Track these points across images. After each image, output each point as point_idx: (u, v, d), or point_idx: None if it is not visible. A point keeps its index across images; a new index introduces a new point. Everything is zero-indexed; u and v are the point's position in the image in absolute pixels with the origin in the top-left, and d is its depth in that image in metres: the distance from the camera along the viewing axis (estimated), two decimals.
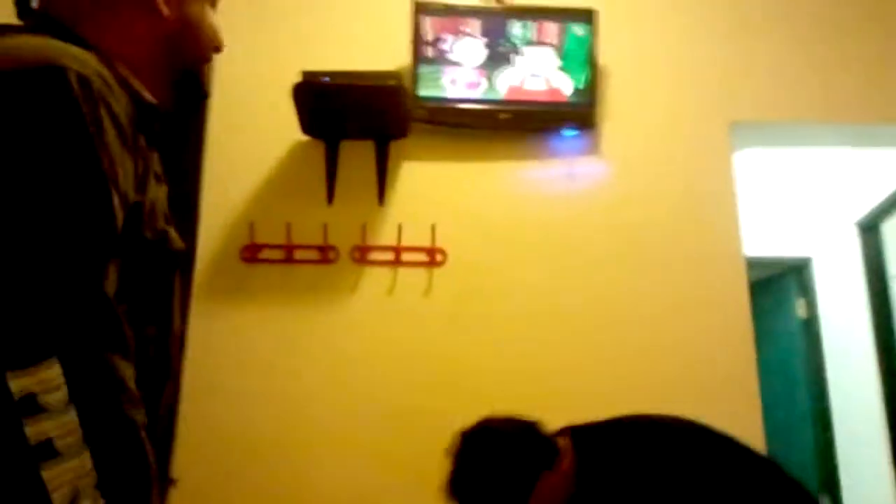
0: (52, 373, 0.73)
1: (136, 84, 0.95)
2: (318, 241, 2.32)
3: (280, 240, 2.31)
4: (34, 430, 0.71)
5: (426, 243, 2.35)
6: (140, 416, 0.86)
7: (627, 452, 1.55)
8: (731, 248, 2.42)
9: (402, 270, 2.35)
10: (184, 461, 2.13)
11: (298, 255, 2.32)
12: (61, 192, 0.78)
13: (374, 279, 2.34)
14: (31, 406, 0.71)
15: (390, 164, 2.42)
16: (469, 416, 2.21)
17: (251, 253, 2.31)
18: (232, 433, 2.18)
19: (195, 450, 2.14)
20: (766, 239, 3.92)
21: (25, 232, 0.75)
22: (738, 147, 2.58)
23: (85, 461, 0.74)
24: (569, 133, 2.48)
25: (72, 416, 0.74)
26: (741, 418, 2.28)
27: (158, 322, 0.94)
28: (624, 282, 2.37)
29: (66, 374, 0.74)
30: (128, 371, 0.85)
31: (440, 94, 2.39)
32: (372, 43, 2.50)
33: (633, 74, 2.57)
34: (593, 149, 2.50)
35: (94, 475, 0.75)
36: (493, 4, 2.53)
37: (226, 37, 2.50)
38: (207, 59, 1.11)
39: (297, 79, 2.20)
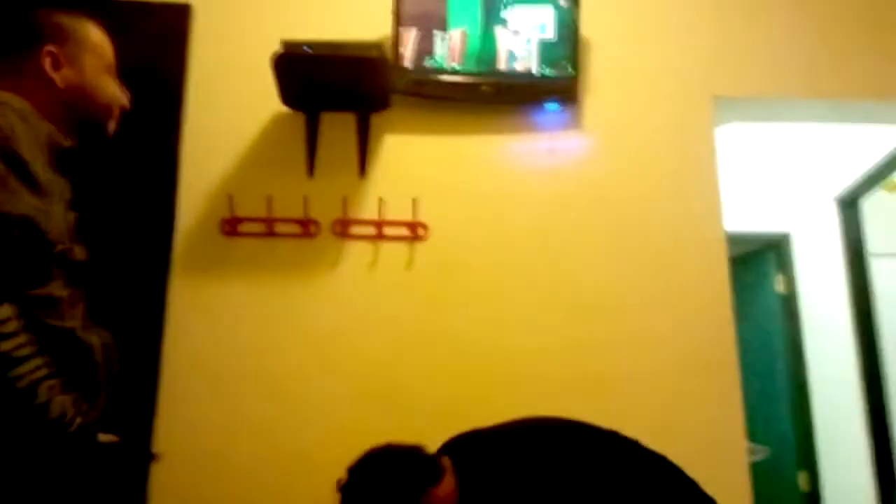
0: (4, 312, 1.13)
1: (58, 134, 1.39)
2: (299, 214, 2.30)
3: (260, 213, 2.29)
4: None
5: (408, 217, 2.33)
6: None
7: (503, 460, 1.65)
8: (711, 223, 2.43)
9: (383, 244, 2.33)
10: (164, 436, 2.11)
11: (279, 228, 2.30)
12: None
13: (356, 253, 2.32)
14: None
15: (371, 137, 2.39)
16: (450, 391, 2.22)
17: (231, 226, 2.28)
18: (212, 408, 2.17)
19: (176, 424, 2.13)
20: (745, 214, 3.94)
21: None
22: (721, 122, 2.58)
23: (37, 361, 1.15)
24: (551, 107, 2.47)
25: (23, 338, 1.13)
26: (720, 393, 2.30)
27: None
28: (604, 255, 2.37)
29: (19, 313, 1.14)
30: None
31: (422, 66, 2.36)
32: (354, 13, 2.46)
33: (616, 48, 2.55)
34: (575, 123, 2.48)
35: (46, 370, 1.16)
36: None
37: (205, 7, 2.48)
38: (108, 116, 1.50)
39: (278, 49, 2.17)
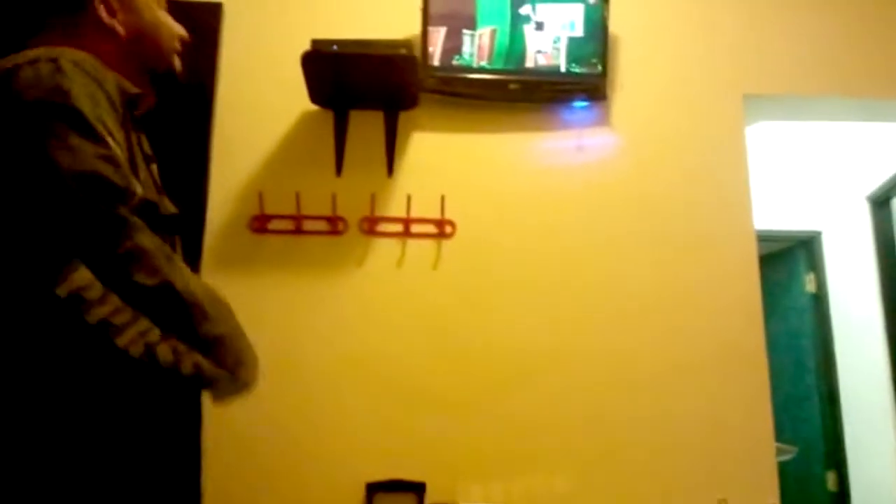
0: (82, 275, 0.99)
1: (126, 82, 1.24)
2: (327, 211, 2.32)
3: (289, 210, 2.31)
4: (91, 316, 0.99)
5: (435, 215, 2.34)
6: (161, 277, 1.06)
7: None
8: (741, 222, 2.41)
9: (410, 242, 2.34)
10: None
11: (307, 225, 2.32)
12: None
13: (383, 251, 2.33)
14: (80, 301, 0.98)
15: (399, 135, 2.40)
16: (476, 387, 2.23)
17: (260, 223, 2.31)
18: (238, 404, 2.18)
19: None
20: (776, 212, 3.90)
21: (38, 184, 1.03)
22: (751, 120, 2.56)
23: (142, 323, 1.01)
24: (579, 104, 2.46)
25: (114, 299, 1.00)
26: (749, 393, 2.29)
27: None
28: (633, 253, 2.36)
29: (95, 274, 1.00)
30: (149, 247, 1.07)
31: (450, 64, 2.36)
32: (382, 11, 2.47)
33: (645, 46, 2.54)
34: (604, 120, 2.48)
35: (157, 330, 1.02)
36: None
37: (235, 6, 2.49)
38: (172, 52, 1.39)
39: (307, 48, 2.18)
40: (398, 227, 2.34)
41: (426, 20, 2.36)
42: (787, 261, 4.31)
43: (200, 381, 1.09)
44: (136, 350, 1.00)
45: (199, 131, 2.32)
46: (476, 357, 2.26)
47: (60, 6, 1.28)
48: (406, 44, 2.24)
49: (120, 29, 1.29)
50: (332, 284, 2.30)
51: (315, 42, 2.18)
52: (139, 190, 1.09)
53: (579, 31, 2.40)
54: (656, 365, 2.28)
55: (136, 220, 1.05)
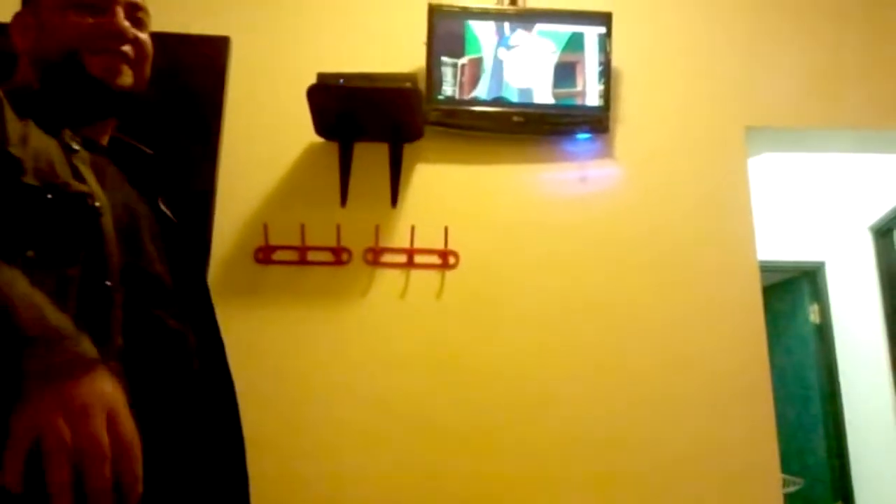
0: None
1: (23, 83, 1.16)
2: (332, 242, 2.33)
3: (294, 241, 2.32)
4: None
5: (439, 246, 2.35)
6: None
7: None
8: (745, 253, 2.42)
9: (414, 273, 2.35)
10: None
11: (312, 256, 2.33)
12: None
13: (387, 281, 2.34)
14: None
15: (404, 166, 2.42)
16: (481, 418, 2.23)
17: (265, 254, 2.32)
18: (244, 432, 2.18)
19: None
20: (779, 243, 3.91)
21: None
22: (754, 152, 2.57)
23: None
24: (582, 136, 2.48)
25: None
26: (754, 423, 2.28)
27: (83, 263, 1.00)
28: (636, 284, 2.36)
29: None
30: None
31: (454, 97, 2.39)
32: (387, 45, 2.50)
33: (648, 78, 2.56)
34: (607, 152, 2.49)
35: None
36: (507, 7, 2.53)
37: (241, 38, 2.53)
38: (66, 54, 1.17)
39: (312, 80, 2.21)
40: (402, 258, 2.35)
41: (431, 53, 2.39)
42: (791, 291, 4.31)
43: None
44: None
45: (206, 163, 2.34)
46: (481, 387, 2.25)
47: None
48: (411, 77, 2.27)
49: (25, 43, 1.21)
50: (336, 315, 2.30)
51: (321, 76, 2.21)
52: None
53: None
54: (660, 396, 2.27)
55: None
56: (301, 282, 2.32)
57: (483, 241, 2.38)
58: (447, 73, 2.39)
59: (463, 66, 2.40)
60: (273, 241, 2.32)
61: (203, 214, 2.30)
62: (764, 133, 2.57)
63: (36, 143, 1.03)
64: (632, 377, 2.28)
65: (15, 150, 0.98)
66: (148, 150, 1.29)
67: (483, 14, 2.45)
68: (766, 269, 2.55)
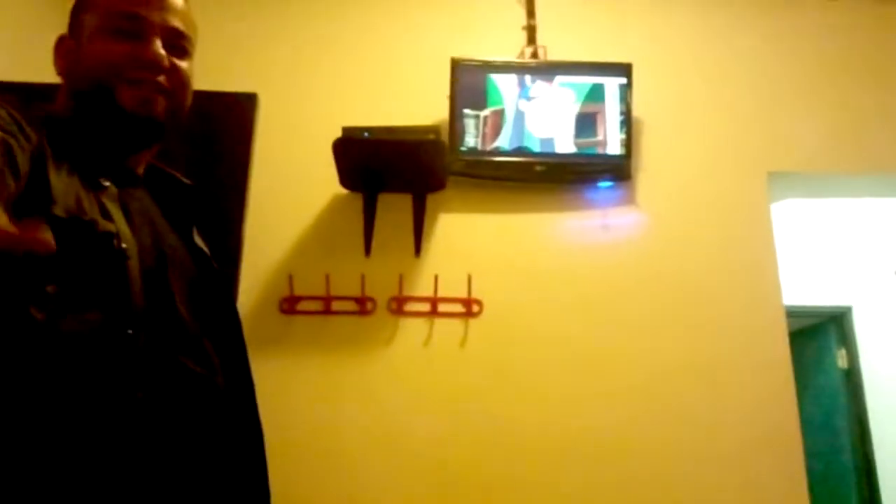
0: None
1: (59, 111, 1.12)
2: (356, 292, 2.35)
3: (318, 291, 2.34)
4: None
5: (462, 294, 2.36)
6: None
7: None
8: (770, 299, 2.40)
9: (438, 321, 2.36)
10: None
11: (336, 306, 2.35)
12: None
13: (411, 330, 2.35)
14: None
15: (427, 216, 2.44)
16: (506, 467, 2.21)
17: (290, 304, 2.34)
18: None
19: None
20: (805, 287, 3.88)
21: None
22: (776, 197, 2.57)
23: None
24: (604, 184, 2.50)
25: None
26: (784, 473, 2.24)
27: (105, 308, 0.96)
28: (661, 332, 2.36)
29: None
30: None
31: (477, 148, 2.42)
32: (410, 98, 2.54)
33: (669, 126, 2.58)
34: (629, 199, 2.51)
35: None
36: (528, 60, 2.58)
37: (269, 94, 2.58)
38: (98, 82, 1.13)
39: (337, 134, 2.25)
40: (426, 307, 2.36)
41: (453, 106, 2.43)
42: (818, 337, 4.26)
43: None
44: None
45: (234, 215, 2.37)
46: (505, 435, 2.24)
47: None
48: (434, 129, 2.30)
49: (62, 67, 1.18)
50: (361, 363, 2.31)
51: (346, 129, 2.25)
52: None
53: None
54: (687, 446, 2.25)
55: None
56: (326, 331, 2.33)
57: (506, 289, 2.38)
58: (470, 124, 2.42)
59: (485, 117, 2.44)
60: (298, 292, 2.34)
61: (230, 265, 2.33)
62: (786, 178, 2.57)
63: (66, 177, 1.00)
64: (657, 427, 2.26)
65: (51, 178, 0.96)
66: (186, 181, 1.26)
67: (504, 67, 2.50)
68: (793, 314, 2.53)
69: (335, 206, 2.45)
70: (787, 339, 2.37)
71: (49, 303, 0.89)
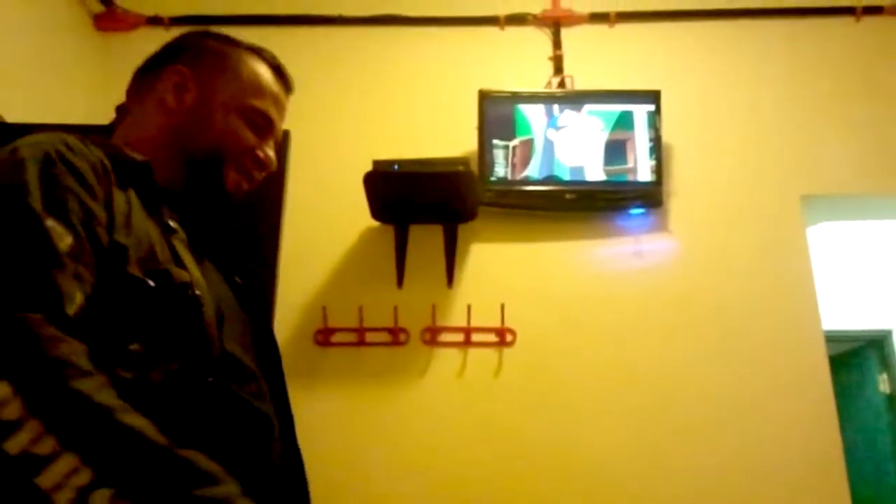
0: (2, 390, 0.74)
1: (129, 151, 1.08)
2: (389, 323, 2.36)
3: (352, 323, 2.35)
4: (10, 444, 0.72)
5: (496, 324, 2.36)
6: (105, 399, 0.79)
7: None
8: (809, 325, 2.37)
9: (472, 351, 2.36)
10: None
11: (370, 337, 2.36)
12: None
13: (445, 360, 2.35)
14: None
15: (459, 246, 2.45)
16: (543, 498, 2.19)
17: (324, 336, 2.35)
18: None
19: None
20: (844, 312, 3.82)
21: None
22: (811, 221, 2.55)
23: (70, 460, 0.73)
24: (635, 211, 2.49)
25: (34, 424, 0.73)
26: (828, 499, 2.19)
27: (183, 359, 0.96)
28: (698, 360, 2.33)
29: (17, 389, 0.74)
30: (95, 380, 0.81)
31: (506, 178, 2.43)
32: (439, 130, 2.57)
33: (700, 151, 2.58)
34: (661, 226, 2.50)
35: (89, 471, 0.73)
36: (556, 90, 2.59)
37: (300, 129, 2.61)
38: (215, 155, 1.16)
39: (368, 167, 2.28)
40: (459, 337, 2.36)
41: (482, 137, 2.44)
42: (859, 361, 4.19)
43: None
44: (64, 498, 0.71)
45: (268, 250, 2.40)
46: (541, 465, 2.22)
47: (147, 68, 1.21)
48: (464, 160, 2.32)
49: (171, 103, 1.16)
50: (395, 395, 2.32)
51: (376, 163, 2.28)
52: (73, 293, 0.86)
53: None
54: (728, 474, 2.21)
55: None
56: (360, 363, 2.34)
57: (540, 317, 2.38)
58: (499, 155, 2.44)
59: (514, 147, 2.45)
60: (332, 324, 2.36)
61: (265, 299, 2.35)
62: (820, 201, 2.54)
63: (136, 223, 1.00)
64: (696, 456, 2.23)
65: (120, 237, 0.95)
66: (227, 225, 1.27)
67: (532, 98, 2.51)
68: (832, 339, 2.49)
69: (367, 239, 2.47)
70: (827, 365, 2.33)
71: (134, 361, 0.90)
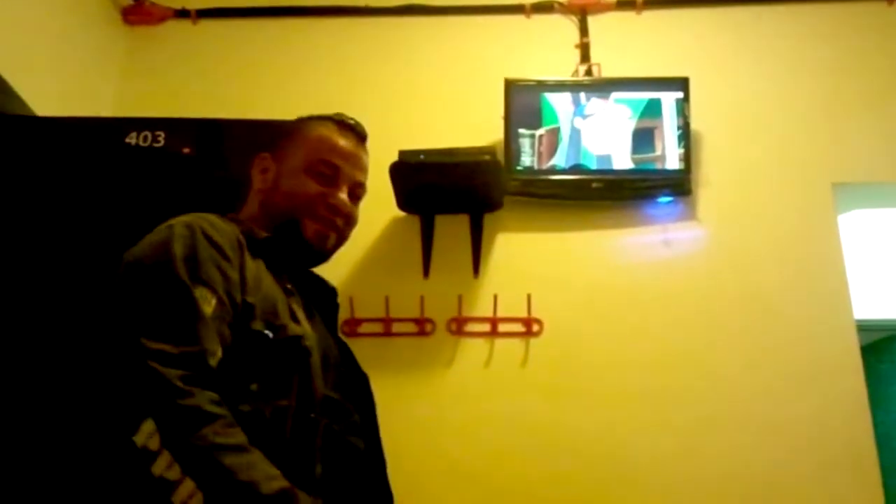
0: (148, 427, 0.99)
1: (256, 229, 1.30)
2: (416, 313, 2.36)
3: (378, 313, 2.36)
4: (154, 468, 0.97)
5: (522, 314, 2.35)
6: (229, 439, 1.02)
7: None
8: (840, 313, 2.34)
9: (498, 341, 2.35)
10: None
11: (396, 328, 2.36)
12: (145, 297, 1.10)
13: (471, 350, 2.35)
14: (147, 453, 0.98)
15: (484, 236, 2.45)
16: (569, 488, 2.18)
17: (351, 327, 2.36)
18: None
19: None
20: (875, 300, 3.76)
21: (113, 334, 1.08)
22: (842, 209, 2.51)
23: (188, 485, 0.97)
24: (663, 200, 2.47)
25: (167, 456, 0.98)
26: (860, 491, 2.17)
27: (294, 396, 1.14)
28: (727, 351, 2.31)
29: (158, 427, 0.99)
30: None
31: (533, 167, 2.42)
32: (465, 120, 2.56)
33: (729, 139, 2.55)
34: (690, 214, 2.47)
35: (200, 495, 0.97)
36: (583, 78, 2.57)
37: None
38: (290, 213, 1.33)
39: (394, 158, 2.27)
40: (485, 327, 2.36)
41: (508, 127, 2.43)
42: (891, 350, 4.12)
43: None
44: None
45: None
46: (566, 456, 2.22)
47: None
48: (490, 150, 2.32)
49: (259, 184, 1.38)
50: (421, 385, 2.32)
51: (402, 153, 2.28)
52: (215, 349, 1.08)
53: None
54: (759, 465, 2.19)
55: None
56: (386, 353, 2.35)
57: (567, 307, 2.37)
58: (525, 144, 2.43)
59: (540, 136, 2.44)
60: (359, 314, 2.36)
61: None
62: (851, 189, 2.50)
63: (265, 287, 1.20)
64: (726, 448, 2.21)
65: (250, 298, 1.16)
66: (330, 284, 1.44)
67: (559, 86, 2.50)
68: (865, 328, 2.45)
69: (393, 229, 2.48)
70: (859, 354, 2.30)
71: (253, 398, 1.10)
